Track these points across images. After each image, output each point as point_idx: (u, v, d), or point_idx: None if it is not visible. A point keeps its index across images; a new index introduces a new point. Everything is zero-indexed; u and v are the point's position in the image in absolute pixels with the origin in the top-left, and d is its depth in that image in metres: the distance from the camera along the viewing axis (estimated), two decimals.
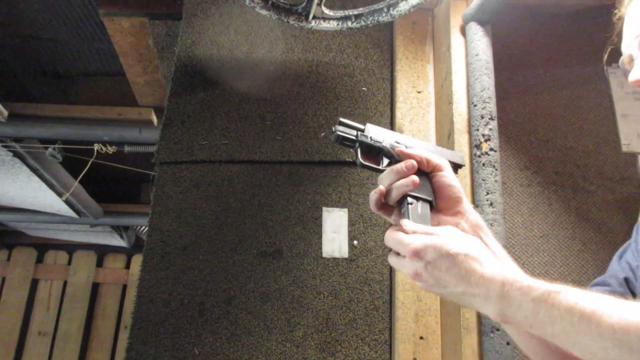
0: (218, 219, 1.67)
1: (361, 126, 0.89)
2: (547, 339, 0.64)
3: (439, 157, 0.86)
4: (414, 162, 0.83)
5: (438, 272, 0.72)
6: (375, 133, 0.89)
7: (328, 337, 1.56)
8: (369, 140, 0.88)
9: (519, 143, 1.71)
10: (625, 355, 0.55)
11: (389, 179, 0.84)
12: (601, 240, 1.62)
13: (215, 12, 1.92)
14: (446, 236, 0.74)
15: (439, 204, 0.85)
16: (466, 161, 1.53)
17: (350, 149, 0.91)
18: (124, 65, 2.43)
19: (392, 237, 0.78)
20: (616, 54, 0.84)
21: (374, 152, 0.89)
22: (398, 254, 0.78)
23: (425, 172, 0.85)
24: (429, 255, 0.72)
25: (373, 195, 0.84)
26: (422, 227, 0.78)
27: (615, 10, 0.85)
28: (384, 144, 0.88)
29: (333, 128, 0.88)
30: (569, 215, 1.64)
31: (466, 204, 0.85)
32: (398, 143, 0.89)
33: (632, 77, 0.79)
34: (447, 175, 0.85)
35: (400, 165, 0.83)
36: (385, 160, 0.89)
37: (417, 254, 0.73)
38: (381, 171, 0.87)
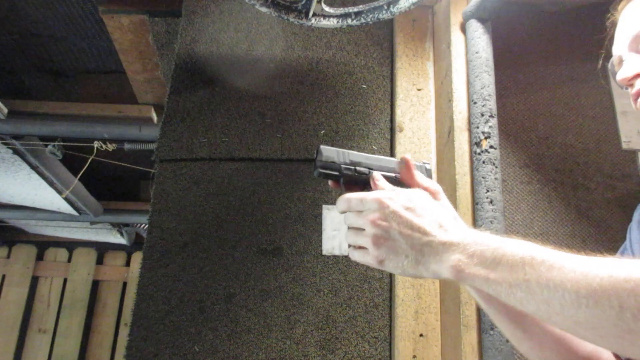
0: (218, 216, 1.67)
1: (341, 159, 0.83)
2: (502, 297, 0.63)
3: (434, 183, 0.82)
4: None
5: (404, 219, 0.70)
6: (354, 158, 0.84)
7: (328, 334, 1.57)
8: (354, 173, 0.83)
9: (519, 140, 1.71)
10: (583, 308, 0.55)
11: None
12: (601, 237, 1.62)
13: (215, 9, 1.92)
14: (419, 192, 0.74)
15: None
16: (466, 159, 1.53)
17: (330, 180, 0.85)
18: (124, 62, 2.43)
19: (352, 196, 0.76)
20: (608, 55, 0.86)
21: (359, 182, 0.84)
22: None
23: None
24: (398, 201, 0.71)
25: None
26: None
27: (608, 15, 0.86)
28: (369, 174, 0.83)
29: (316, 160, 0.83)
30: (568, 213, 1.64)
31: None
32: (370, 169, 0.84)
33: (619, 76, 0.81)
34: (441, 202, 0.80)
35: None
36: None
37: (384, 200, 0.72)
38: None
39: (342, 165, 0.83)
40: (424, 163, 0.88)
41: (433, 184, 0.81)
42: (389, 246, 0.71)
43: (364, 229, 0.74)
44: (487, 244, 0.64)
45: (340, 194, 0.82)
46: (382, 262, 0.73)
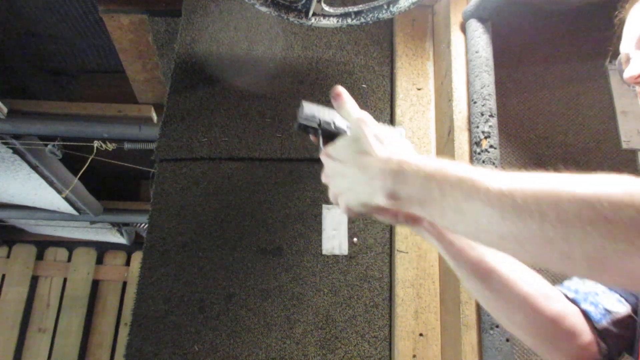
0: (218, 216, 1.67)
1: (321, 114, 0.88)
2: (436, 219, 0.67)
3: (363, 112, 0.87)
4: None
5: (344, 168, 0.75)
6: (334, 115, 0.88)
7: (328, 334, 1.57)
8: (332, 128, 0.87)
9: (519, 140, 1.71)
10: (507, 222, 0.58)
11: None
12: None
13: (214, 9, 1.92)
14: (359, 133, 0.78)
15: None
16: (466, 159, 1.53)
17: (310, 135, 0.89)
18: (124, 62, 2.42)
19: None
20: (616, 53, 0.86)
21: (337, 138, 0.87)
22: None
23: None
24: (339, 152, 0.77)
25: None
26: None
27: (616, 12, 0.87)
28: (348, 131, 0.87)
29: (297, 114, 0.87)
30: None
31: None
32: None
33: (627, 74, 0.81)
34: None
35: None
36: None
37: (328, 154, 0.78)
38: None
39: (322, 120, 0.86)
40: (397, 127, 0.92)
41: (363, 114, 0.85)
42: (343, 195, 0.77)
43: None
44: (420, 170, 0.67)
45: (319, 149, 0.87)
46: (347, 208, 0.77)
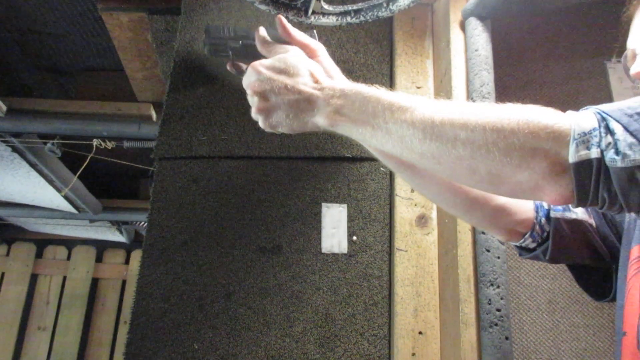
0: (217, 214, 1.67)
1: (226, 34, 0.88)
2: (367, 139, 0.74)
3: (315, 41, 0.89)
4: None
5: (278, 82, 0.78)
6: (241, 32, 0.88)
7: (327, 332, 1.57)
8: (240, 46, 0.88)
9: None
10: (427, 141, 0.66)
11: None
12: None
13: (214, 7, 1.92)
14: (292, 53, 0.82)
15: None
16: None
17: (224, 58, 0.90)
18: (123, 60, 2.42)
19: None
20: (622, 49, 0.86)
21: (249, 56, 0.88)
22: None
23: None
24: (272, 67, 0.80)
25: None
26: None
27: (624, 9, 0.87)
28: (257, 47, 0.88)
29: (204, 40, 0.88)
30: None
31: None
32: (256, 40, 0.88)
33: (633, 70, 0.82)
34: (323, 61, 0.88)
35: None
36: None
37: (258, 67, 0.81)
38: None
39: (229, 41, 0.87)
40: (311, 30, 0.94)
41: (312, 41, 0.88)
42: (271, 109, 0.80)
43: (253, 99, 0.83)
44: (355, 95, 0.75)
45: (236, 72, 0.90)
46: (272, 124, 0.81)
